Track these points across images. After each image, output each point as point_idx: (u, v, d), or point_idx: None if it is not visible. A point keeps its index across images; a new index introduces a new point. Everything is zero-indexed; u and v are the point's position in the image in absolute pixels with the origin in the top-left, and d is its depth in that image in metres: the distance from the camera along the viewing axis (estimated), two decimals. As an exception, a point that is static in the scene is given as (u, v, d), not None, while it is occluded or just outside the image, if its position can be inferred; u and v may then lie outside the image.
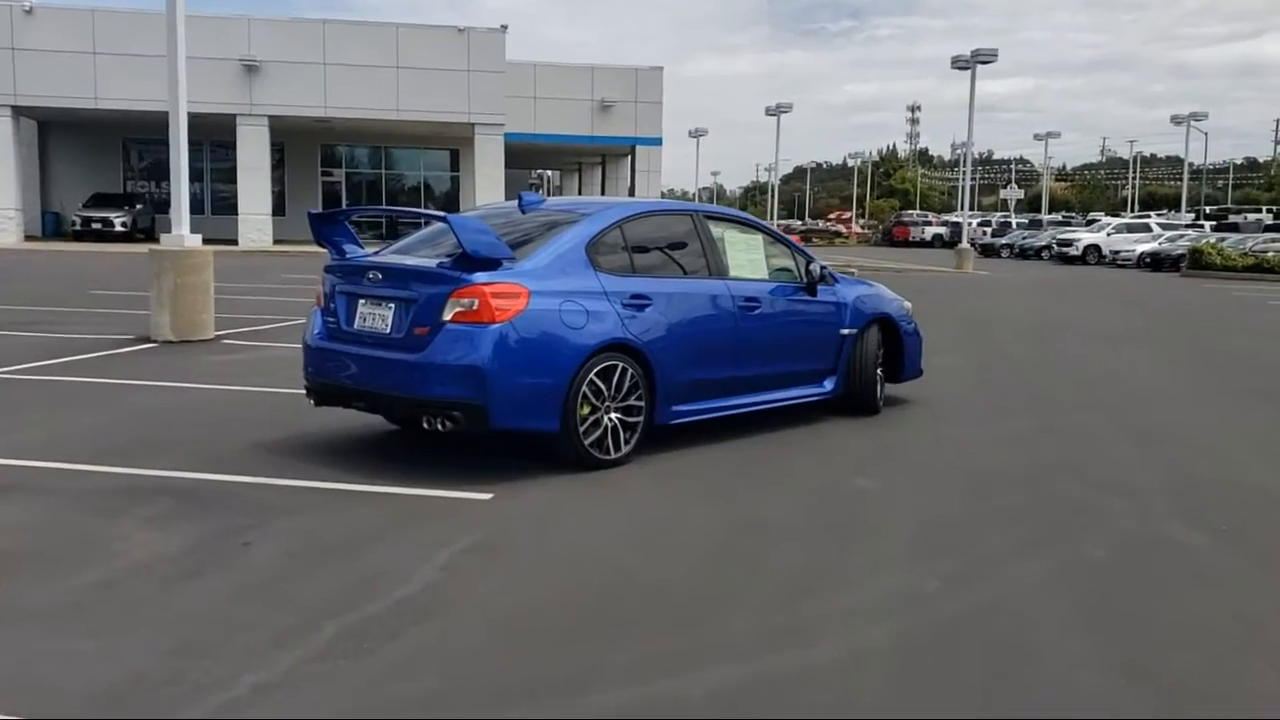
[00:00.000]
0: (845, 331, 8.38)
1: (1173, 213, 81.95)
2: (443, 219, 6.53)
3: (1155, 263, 41.14)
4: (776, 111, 55.47)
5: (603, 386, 6.61)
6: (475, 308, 6.24)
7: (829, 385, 8.35)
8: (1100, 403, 9.72)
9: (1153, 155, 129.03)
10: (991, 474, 6.87)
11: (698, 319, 7.25)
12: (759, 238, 8.13)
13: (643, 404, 6.85)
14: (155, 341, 12.43)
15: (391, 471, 6.53)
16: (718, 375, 7.42)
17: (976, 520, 5.82)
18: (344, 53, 38.10)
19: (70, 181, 43.11)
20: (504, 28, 40.03)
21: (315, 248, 7.27)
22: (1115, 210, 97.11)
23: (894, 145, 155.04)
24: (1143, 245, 43.99)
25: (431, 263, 6.61)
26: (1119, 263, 43.99)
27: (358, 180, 47.67)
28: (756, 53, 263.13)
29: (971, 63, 39.76)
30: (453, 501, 5.97)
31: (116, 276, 21.45)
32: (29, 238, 39.21)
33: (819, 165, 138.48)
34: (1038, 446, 7.74)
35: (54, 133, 43.12)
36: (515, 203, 7.49)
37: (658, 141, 50.56)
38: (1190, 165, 73.65)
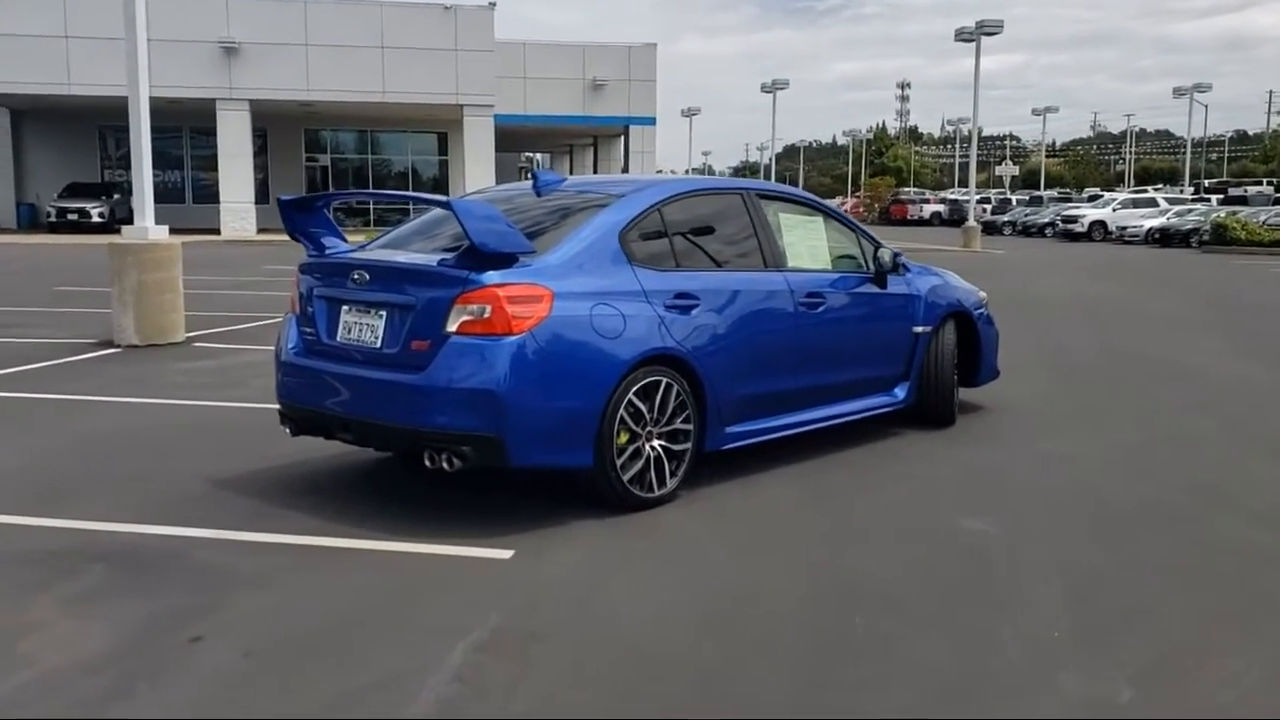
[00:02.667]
0: (919, 329, 7.11)
1: (1167, 187, 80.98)
2: (444, 204, 5.23)
3: (1164, 238, 40.02)
4: (773, 88, 53.99)
5: (643, 408, 5.35)
6: (487, 316, 4.96)
7: (901, 394, 7.08)
8: (1204, 405, 8.45)
9: (1142, 130, 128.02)
10: (1126, 506, 5.60)
11: (753, 320, 5.97)
12: (819, 220, 6.83)
13: (690, 427, 5.59)
14: (118, 346, 11.12)
15: (385, 519, 5.26)
16: (776, 387, 6.15)
17: (1139, 579, 4.55)
18: (327, 33, 36.59)
19: (45, 171, 41.55)
20: (493, 4, 38.55)
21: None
22: (1109, 186, 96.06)
23: (883, 123, 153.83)
24: (1150, 221, 42.86)
25: (431, 259, 5.31)
26: (1126, 239, 42.84)
27: (343, 166, 46.17)
28: (743, 33, 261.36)
29: (976, 34, 38.42)
30: (464, 563, 4.70)
31: (87, 271, 20.04)
32: (3, 230, 37.74)
33: (810, 144, 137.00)
34: (1161, 465, 6.48)
35: (27, 121, 41.53)
36: (529, 183, 6.20)
37: (651, 121, 49.14)
38: (1182, 138, 72.54)
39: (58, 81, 34.88)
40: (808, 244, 6.59)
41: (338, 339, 5.46)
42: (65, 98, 35.83)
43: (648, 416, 5.37)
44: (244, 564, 4.66)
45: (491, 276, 5.00)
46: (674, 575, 4.59)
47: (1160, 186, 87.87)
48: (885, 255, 6.87)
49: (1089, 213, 47.39)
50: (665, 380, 5.43)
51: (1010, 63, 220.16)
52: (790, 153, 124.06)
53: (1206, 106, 70.00)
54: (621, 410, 5.23)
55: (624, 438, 5.28)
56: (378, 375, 5.19)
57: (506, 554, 4.78)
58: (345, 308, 5.45)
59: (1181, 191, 60.95)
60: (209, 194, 40.12)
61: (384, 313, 5.27)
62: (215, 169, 38.28)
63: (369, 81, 36.87)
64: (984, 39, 38.41)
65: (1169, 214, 43.32)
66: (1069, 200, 59.89)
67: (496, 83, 38.66)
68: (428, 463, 5.05)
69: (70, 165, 41.60)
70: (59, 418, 7.67)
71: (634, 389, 5.28)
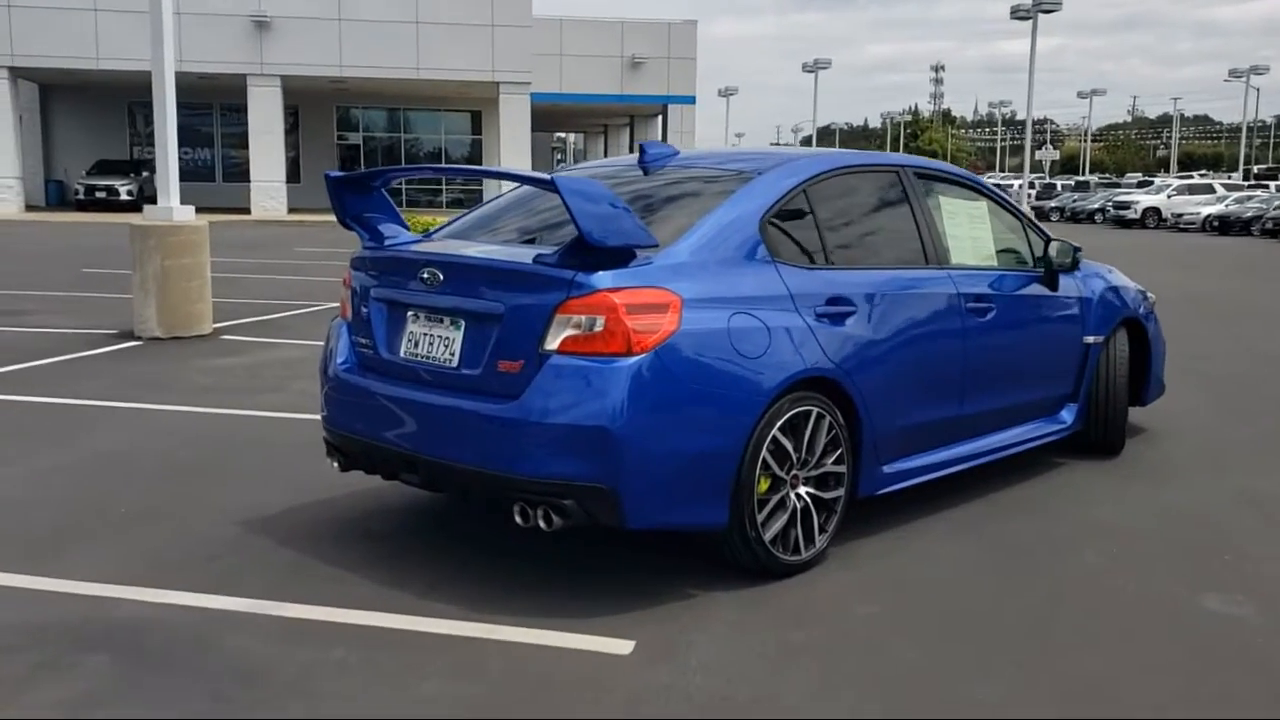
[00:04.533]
0: (1090, 340, 5.91)
1: (1211, 173, 79.03)
2: (546, 182, 4.05)
3: (1223, 226, 38.44)
4: (814, 68, 52.63)
5: (789, 447, 4.19)
6: (598, 329, 3.81)
7: (1068, 418, 5.88)
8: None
9: (1180, 115, 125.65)
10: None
11: (916, 331, 4.79)
12: (983, 205, 5.62)
13: (843, 469, 4.43)
14: (139, 338, 10.07)
15: (460, 586, 4.13)
16: (940, 414, 4.98)
17: None
18: (360, 7, 35.42)
19: (74, 148, 40.70)
20: (531, -22, 37.27)
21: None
22: (1150, 171, 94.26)
23: (916, 106, 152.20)
24: (1208, 208, 41.26)
25: (523, 255, 4.15)
26: (1181, 226, 41.22)
27: (373, 145, 45.09)
28: (776, 14, 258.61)
29: (1033, 11, 36.99)
30: (572, 660, 3.56)
31: (115, 253, 19.01)
32: (30, 208, 36.91)
33: (843, 127, 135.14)
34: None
35: (56, 96, 40.68)
36: (632, 158, 5.04)
37: (691, 100, 47.77)
38: (1221, 124, 70.68)
39: (86, 55, 33.94)
40: (971, 235, 5.39)
41: (401, 354, 4.33)
42: (94, 72, 34.89)
43: (794, 457, 4.22)
44: (286, 656, 3.54)
45: (603, 278, 3.84)
46: (858, 687, 3.43)
47: (1205, 172, 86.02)
48: (1058, 251, 5.66)
49: (1142, 199, 45.79)
50: (816, 410, 4.26)
51: (1046, 46, 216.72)
52: (823, 135, 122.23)
53: (1258, 90, 67.91)
54: (764, 451, 4.08)
55: (764, 485, 4.13)
56: (454, 403, 4.05)
57: (625, 647, 3.64)
58: (411, 314, 4.32)
59: (1231, 177, 59.27)
60: (239, 172, 39.19)
61: (462, 322, 4.13)
62: (246, 147, 37.28)
63: (403, 58, 35.72)
64: (1023, 22, 37.04)
65: (1227, 201, 41.72)
66: (1115, 186, 58.15)
67: (533, 59, 37.44)
68: (518, 519, 3.91)
69: (99, 142, 40.74)
70: (65, 430, 6.59)
71: (779, 423, 4.12)
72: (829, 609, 4.00)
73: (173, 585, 4.10)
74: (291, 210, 36.25)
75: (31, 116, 39.38)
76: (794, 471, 4.24)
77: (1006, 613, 4.02)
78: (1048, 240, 5.73)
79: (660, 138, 49.95)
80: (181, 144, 10.64)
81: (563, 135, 75.81)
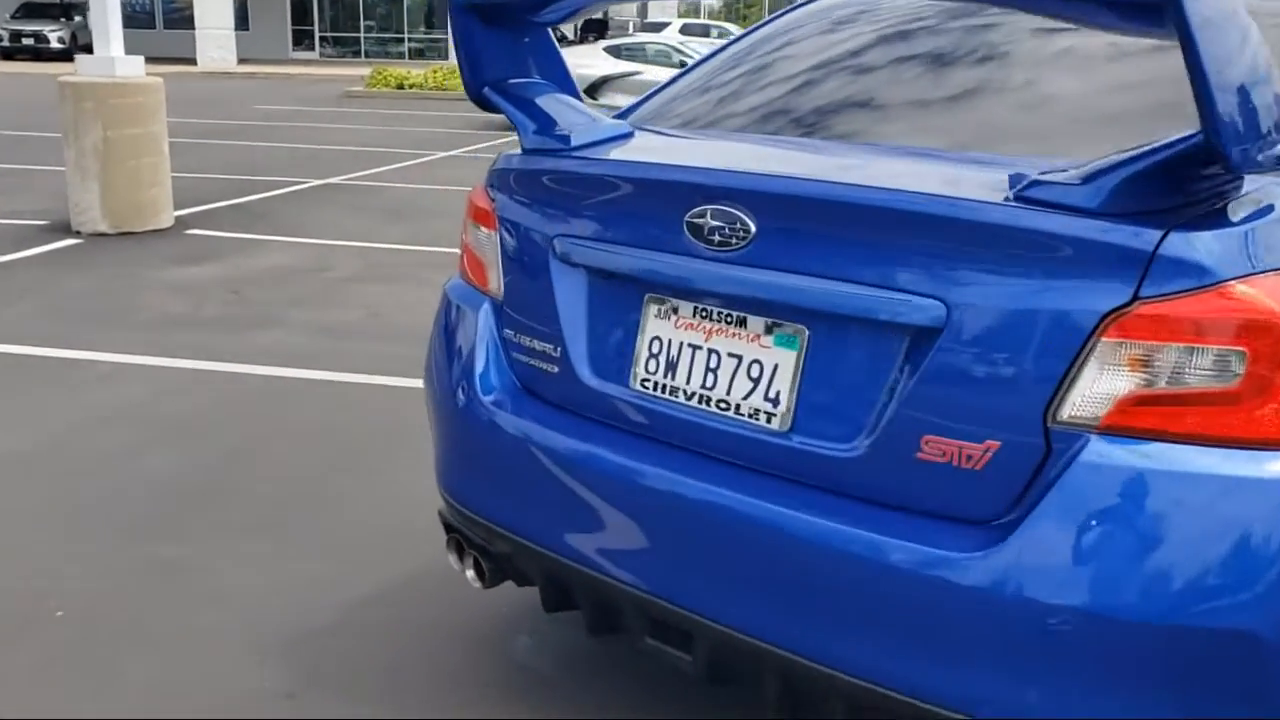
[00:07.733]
0: None
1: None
2: (1152, 4, 1.59)
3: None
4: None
5: None
6: (1227, 382, 1.52)
7: None
8: None
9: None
10: None
11: None
12: None
13: None
14: (79, 234, 7.63)
15: None
16: None
17: None
18: None
19: (-4, -12, 36.71)
20: None
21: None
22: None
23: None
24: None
25: (977, 182, 1.74)
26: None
27: (325, -11, 41.28)
28: None
29: None
30: None
31: (46, 111, 16.20)
32: (-52, 57, 33.25)
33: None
34: None
35: (-30, -71, 36.44)
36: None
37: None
38: None
39: (1, -120, 30.02)
40: None
41: (634, 383, 2.02)
42: (11, -100, 30.97)
43: None
44: None
45: (1227, 252, 1.53)
46: None
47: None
48: None
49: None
50: None
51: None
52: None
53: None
54: None
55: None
56: (792, 517, 1.77)
57: None
58: (655, 303, 1.99)
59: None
60: (182, 19, 35.49)
61: (804, 334, 1.81)
62: (188, -12, 33.64)
63: (363, -113, 32.02)
64: None
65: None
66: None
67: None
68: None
69: (23, -19, 36.73)
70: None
71: None
72: None
73: None
74: (242, 61, 32.80)
75: (-56, -49, 35.31)
76: None
77: None
78: None
79: (639, -17, 46.32)
80: (117, -20, 7.97)
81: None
